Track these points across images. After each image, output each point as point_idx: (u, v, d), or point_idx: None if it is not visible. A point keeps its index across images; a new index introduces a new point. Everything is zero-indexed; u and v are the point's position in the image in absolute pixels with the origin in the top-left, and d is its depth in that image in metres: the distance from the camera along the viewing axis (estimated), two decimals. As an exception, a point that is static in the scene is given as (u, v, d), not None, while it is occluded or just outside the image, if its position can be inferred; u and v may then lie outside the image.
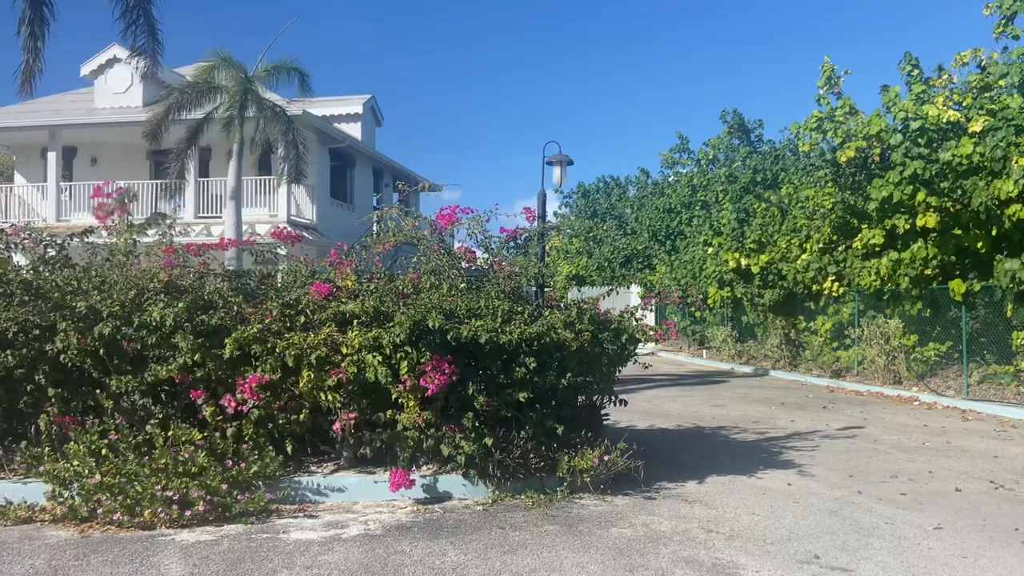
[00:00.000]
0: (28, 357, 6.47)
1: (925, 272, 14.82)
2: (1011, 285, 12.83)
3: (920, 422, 11.34)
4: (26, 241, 7.40)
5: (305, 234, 20.68)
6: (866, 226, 16.03)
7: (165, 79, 22.26)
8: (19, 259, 7.51)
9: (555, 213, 42.34)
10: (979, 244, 14.05)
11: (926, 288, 15.13)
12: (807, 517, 6.10)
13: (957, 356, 14.93)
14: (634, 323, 7.54)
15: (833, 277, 17.51)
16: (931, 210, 14.22)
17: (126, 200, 7.67)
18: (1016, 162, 12.54)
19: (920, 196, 14.23)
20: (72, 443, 6.27)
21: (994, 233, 13.71)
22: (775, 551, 5.25)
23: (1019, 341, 12.99)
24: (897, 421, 11.45)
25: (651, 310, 25.57)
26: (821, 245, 17.89)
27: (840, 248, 17.47)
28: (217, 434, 6.34)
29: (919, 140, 14.57)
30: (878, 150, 15.23)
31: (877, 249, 15.73)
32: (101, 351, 6.40)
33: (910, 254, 14.83)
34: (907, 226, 14.72)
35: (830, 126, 16.20)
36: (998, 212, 13.17)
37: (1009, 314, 13.49)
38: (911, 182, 14.38)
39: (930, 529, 5.83)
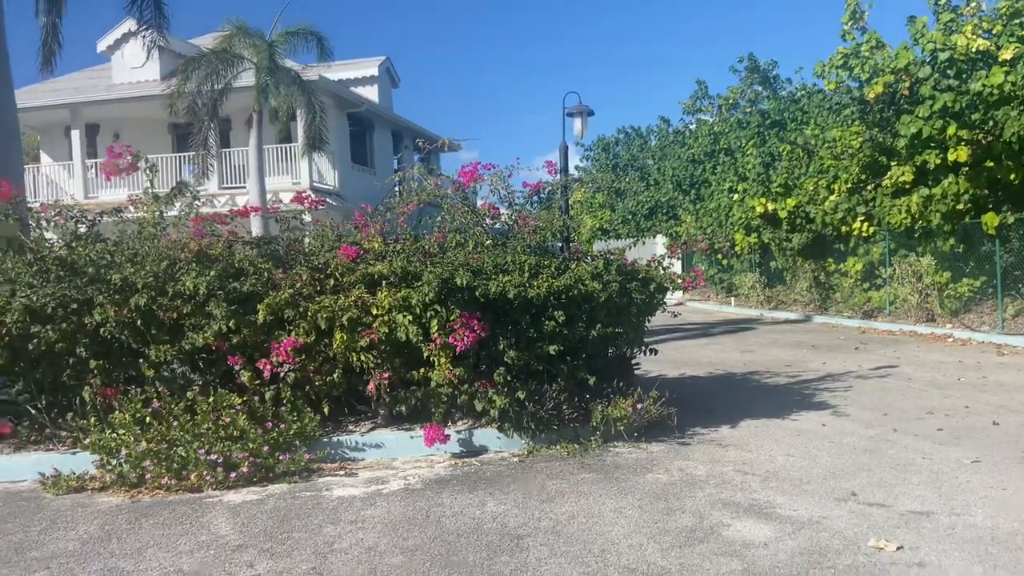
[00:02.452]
0: (68, 331, 6.60)
1: (957, 207, 14.55)
2: (1046, 216, 12.57)
3: (955, 358, 11.24)
4: (57, 218, 7.52)
5: (328, 199, 20.63)
6: (895, 163, 15.72)
7: (182, 51, 22.24)
8: (51, 236, 7.63)
9: (576, 167, 41.95)
10: (1012, 176, 13.75)
11: (958, 223, 14.86)
12: (843, 456, 6.11)
13: (991, 291, 14.71)
14: (662, 272, 7.51)
15: (863, 217, 17.25)
16: (962, 143, 13.90)
17: (141, 164, 7.76)
18: (1050, 89, 12.20)
19: (951, 130, 13.91)
20: (116, 412, 6.44)
21: (1027, 164, 13.40)
22: (811, 490, 5.27)
23: (1056, 273, 12.78)
24: (931, 358, 11.36)
25: (678, 258, 25.38)
26: (849, 185, 17.59)
27: (869, 187, 17.17)
28: (256, 398, 6.47)
29: (948, 72, 14.20)
30: (907, 84, 14.88)
31: (907, 186, 15.44)
32: (138, 322, 6.53)
33: (941, 189, 14.55)
34: (938, 161, 14.41)
35: (856, 62, 15.83)
36: (1032, 142, 12.86)
37: (1045, 246, 13.24)
38: (941, 115, 14.05)
39: (968, 463, 5.81)
